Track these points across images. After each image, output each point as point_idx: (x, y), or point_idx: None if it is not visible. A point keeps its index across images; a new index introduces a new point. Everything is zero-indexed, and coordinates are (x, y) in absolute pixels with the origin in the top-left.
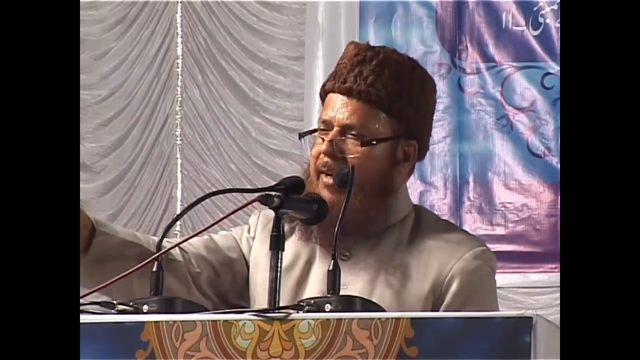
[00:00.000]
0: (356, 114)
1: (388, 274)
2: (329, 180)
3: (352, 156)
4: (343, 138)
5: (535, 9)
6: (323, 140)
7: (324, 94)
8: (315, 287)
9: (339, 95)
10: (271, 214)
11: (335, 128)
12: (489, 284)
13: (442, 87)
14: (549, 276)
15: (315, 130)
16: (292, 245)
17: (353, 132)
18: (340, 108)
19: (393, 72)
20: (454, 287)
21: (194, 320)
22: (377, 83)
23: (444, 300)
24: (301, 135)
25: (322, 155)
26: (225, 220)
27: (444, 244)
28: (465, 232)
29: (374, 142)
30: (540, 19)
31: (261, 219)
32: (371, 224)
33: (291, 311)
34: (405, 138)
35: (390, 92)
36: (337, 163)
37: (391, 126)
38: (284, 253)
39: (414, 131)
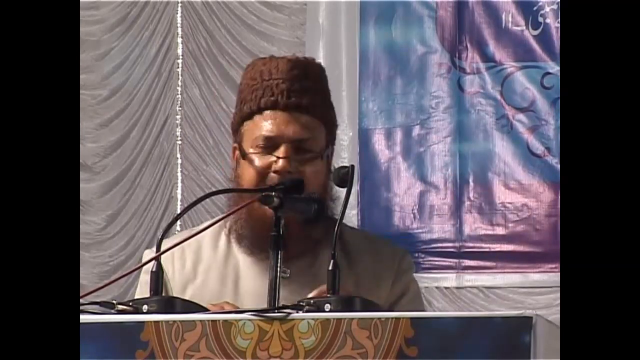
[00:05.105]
0: (306, 127)
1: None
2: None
3: (309, 170)
4: (296, 153)
5: (535, 8)
6: (264, 155)
7: (257, 111)
8: (251, 301)
9: (281, 111)
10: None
11: (285, 144)
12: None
13: (442, 87)
14: (549, 276)
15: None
16: (216, 273)
17: (305, 146)
18: (287, 123)
19: (324, 83)
20: (398, 290)
21: (193, 320)
22: (317, 96)
23: (393, 303)
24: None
25: (273, 174)
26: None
27: (375, 251)
28: (383, 236)
29: (325, 155)
30: (540, 19)
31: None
32: (313, 242)
33: (291, 311)
34: (331, 145)
35: (327, 104)
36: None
37: (326, 137)
38: (211, 281)
39: (334, 138)
